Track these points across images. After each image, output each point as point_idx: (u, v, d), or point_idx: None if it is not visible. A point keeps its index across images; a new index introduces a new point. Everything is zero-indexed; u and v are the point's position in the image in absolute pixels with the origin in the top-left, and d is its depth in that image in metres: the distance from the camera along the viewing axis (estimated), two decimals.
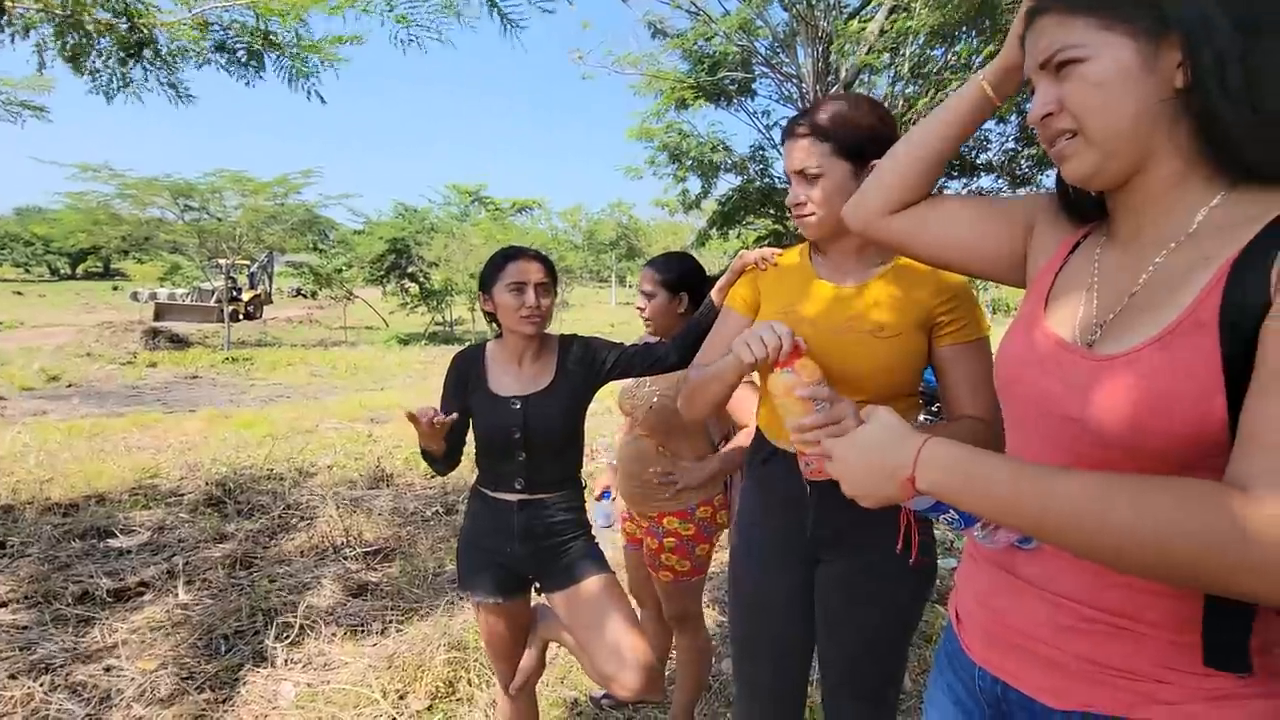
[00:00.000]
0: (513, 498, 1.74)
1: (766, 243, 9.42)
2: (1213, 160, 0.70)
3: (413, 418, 1.56)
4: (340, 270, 21.03)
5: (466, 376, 1.78)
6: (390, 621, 2.87)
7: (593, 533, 1.84)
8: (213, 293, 24.17)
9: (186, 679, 2.46)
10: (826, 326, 1.29)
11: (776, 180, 8.19)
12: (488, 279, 1.75)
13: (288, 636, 2.70)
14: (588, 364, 1.79)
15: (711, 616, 2.98)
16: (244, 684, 2.44)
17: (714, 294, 1.65)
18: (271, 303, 29.19)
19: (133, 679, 2.45)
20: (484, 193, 26.80)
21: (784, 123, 1.38)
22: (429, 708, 2.29)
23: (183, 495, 4.70)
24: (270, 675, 2.49)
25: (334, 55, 3.09)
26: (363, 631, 2.81)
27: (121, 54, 2.63)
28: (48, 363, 13.65)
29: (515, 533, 1.74)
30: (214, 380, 12.52)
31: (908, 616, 1.38)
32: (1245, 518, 0.56)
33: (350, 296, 21.46)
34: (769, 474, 1.41)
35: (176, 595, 3.13)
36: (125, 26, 2.53)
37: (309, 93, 3.18)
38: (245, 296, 24.72)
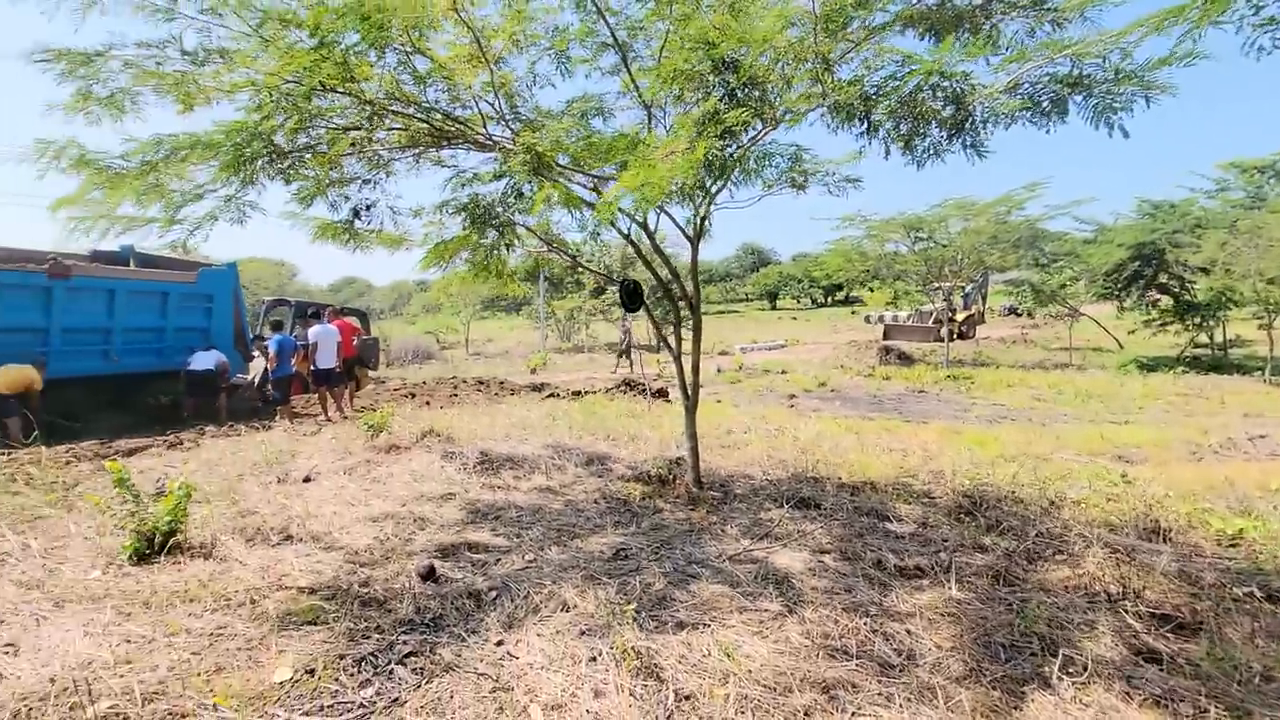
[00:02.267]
0: None
1: None
2: None
3: None
4: (1064, 285, 19.42)
5: None
6: (1205, 710, 2.36)
7: None
8: (931, 314, 26.73)
9: (974, 669, 2.68)
10: None
11: None
12: None
13: (1073, 674, 2.58)
14: None
15: None
16: (1030, 702, 2.47)
17: None
18: (984, 322, 29.85)
19: (929, 648, 2.85)
20: None
21: None
22: None
23: (935, 499, 5.27)
24: (1058, 706, 2.43)
25: (1153, 84, 2.77)
26: (1162, 706, 2.41)
27: (946, 133, 3.17)
28: (816, 372, 18.05)
29: None
30: (937, 396, 13.65)
31: None
32: None
33: (1074, 314, 19.55)
34: None
35: (947, 589, 3.49)
36: (950, 111, 3.03)
37: (1113, 127, 2.97)
38: (959, 316, 26.20)
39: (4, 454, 6.05)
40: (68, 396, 9.08)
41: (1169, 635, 2.93)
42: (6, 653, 2.74)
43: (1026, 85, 3.01)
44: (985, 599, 3.36)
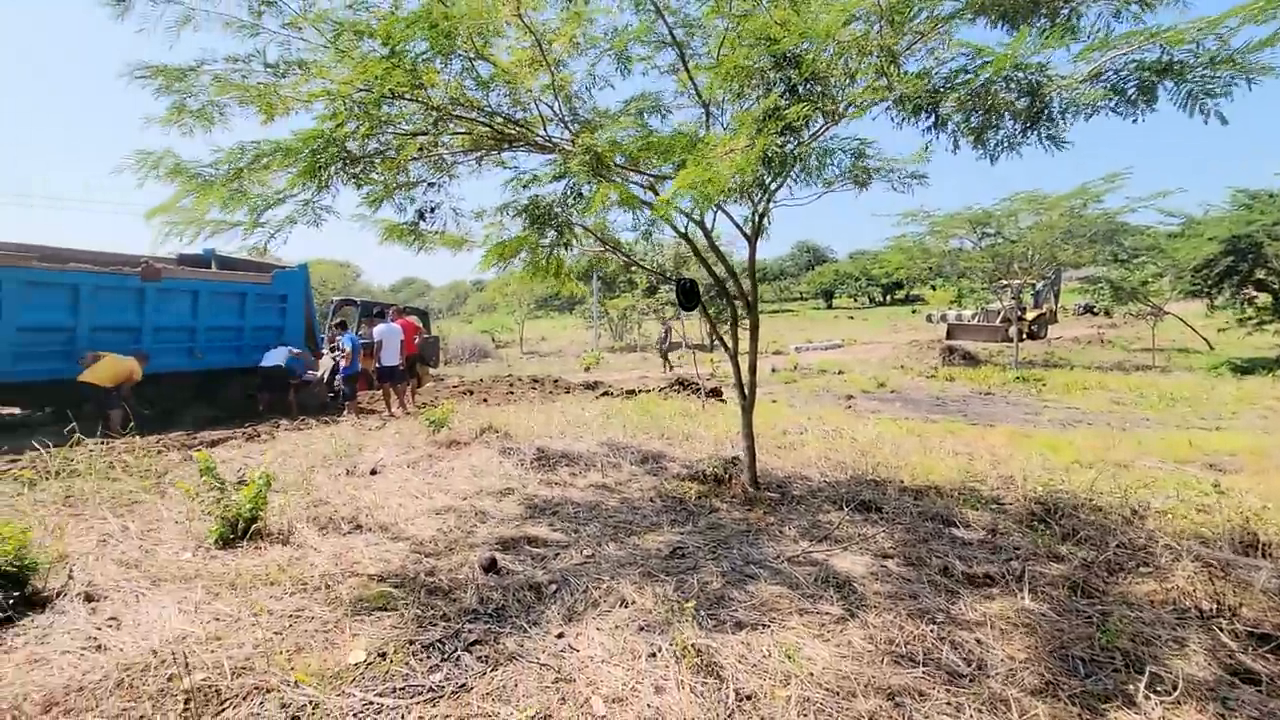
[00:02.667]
0: None
1: None
2: None
3: None
4: (1146, 282, 18.23)
5: None
6: None
7: None
8: (998, 313, 25.60)
9: (1050, 683, 2.56)
10: None
11: None
12: None
13: (1161, 693, 2.43)
14: None
15: None
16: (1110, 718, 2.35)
17: None
18: (1056, 321, 28.41)
19: (1001, 659, 2.74)
20: None
21: None
22: None
23: (1004, 505, 5.05)
24: None
25: (1254, 66, 2.56)
26: None
27: (1021, 125, 3.02)
28: (875, 372, 17.55)
29: None
30: (1006, 398, 13.07)
31: None
32: None
33: (1158, 312, 18.36)
34: None
35: (1020, 598, 3.34)
36: (1025, 103, 2.88)
37: (1208, 114, 2.75)
38: (1029, 315, 24.99)
39: (103, 443, 6.54)
40: (157, 391, 9.74)
41: (1269, 656, 2.73)
42: (110, 625, 2.97)
43: (1110, 73, 2.83)
44: (1062, 610, 3.20)
